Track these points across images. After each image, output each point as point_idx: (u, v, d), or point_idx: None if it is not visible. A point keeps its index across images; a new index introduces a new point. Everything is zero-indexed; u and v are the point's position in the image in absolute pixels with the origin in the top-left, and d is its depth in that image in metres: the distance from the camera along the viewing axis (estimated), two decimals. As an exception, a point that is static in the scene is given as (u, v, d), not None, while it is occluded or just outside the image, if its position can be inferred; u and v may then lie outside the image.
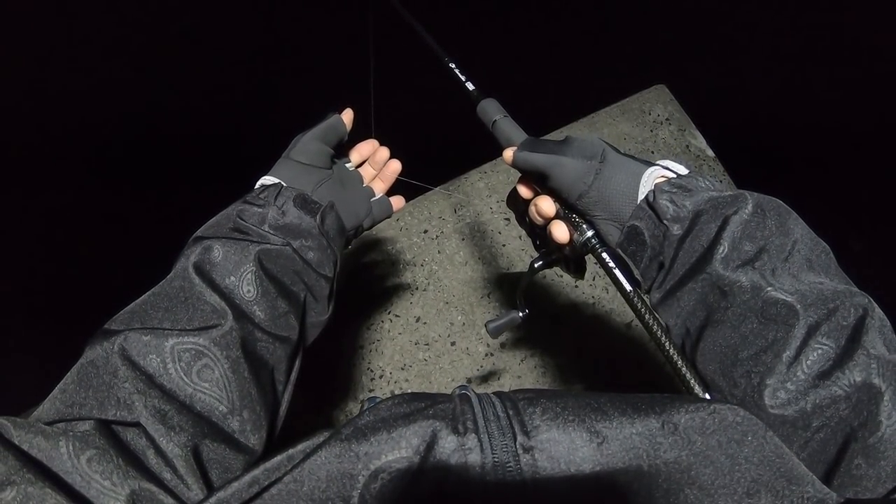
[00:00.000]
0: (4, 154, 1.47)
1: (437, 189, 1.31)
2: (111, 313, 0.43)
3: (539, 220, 0.55)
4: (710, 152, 1.46)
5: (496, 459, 0.28)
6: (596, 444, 0.28)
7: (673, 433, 0.28)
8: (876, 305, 0.37)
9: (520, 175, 0.58)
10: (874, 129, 1.48)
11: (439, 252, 1.28)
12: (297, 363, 0.52)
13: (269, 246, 0.50)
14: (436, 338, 1.18)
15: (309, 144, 0.60)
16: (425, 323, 1.20)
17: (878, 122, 1.47)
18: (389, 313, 1.21)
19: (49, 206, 1.52)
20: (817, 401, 0.34)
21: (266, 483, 0.27)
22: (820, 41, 1.66)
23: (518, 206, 0.60)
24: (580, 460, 0.27)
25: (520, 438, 0.28)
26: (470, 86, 0.63)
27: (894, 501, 0.30)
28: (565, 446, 0.28)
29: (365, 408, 0.34)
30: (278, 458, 0.29)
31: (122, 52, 1.65)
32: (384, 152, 0.68)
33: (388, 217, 0.69)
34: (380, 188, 0.68)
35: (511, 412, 0.30)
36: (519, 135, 0.57)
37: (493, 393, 0.34)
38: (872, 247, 1.29)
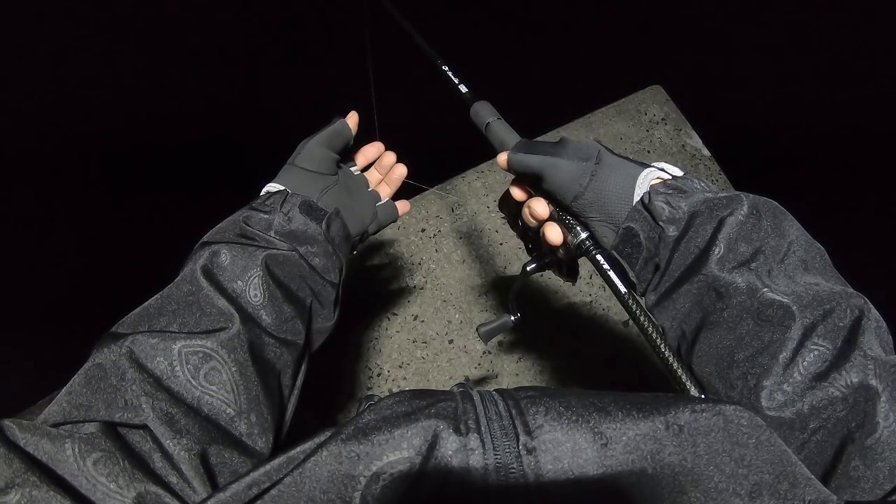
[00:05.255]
0: (5, 156, 1.47)
1: (434, 189, 1.31)
2: (114, 317, 0.43)
3: (532, 223, 0.54)
4: (706, 152, 1.47)
5: (499, 461, 0.27)
6: (600, 445, 0.27)
7: (678, 435, 0.27)
8: (872, 307, 0.37)
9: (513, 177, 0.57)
10: (871, 129, 1.48)
11: (437, 251, 1.28)
12: (302, 369, 0.52)
13: (275, 251, 0.50)
14: (434, 336, 1.19)
15: (314, 150, 0.59)
16: (423, 321, 1.20)
17: (875, 121, 1.47)
18: (387, 312, 1.21)
19: (50, 208, 1.51)
20: (814, 402, 0.34)
21: (266, 485, 0.27)
22: (816, 40, 1.67)
23: (510, 209, 0.60)
24: (584, 462, 0.27)
25: (522, 439, 0.28)
26: (463, 88, 0.62)
27: (893, 503, 0.30)
28: (569, 448, 0.27)
29: (363, 406, 0.34)
30: (278, 459, 0.28)
31: (122, 54, 1.65)
32: (390, 157, 0.68)
33: (394, 221, 0.69)
34: (385, 193, 0.68)
35: (514, 411, 0.30)
36: (512, 137, 0.56)
37: (495, 390, 0.34)
38: (868, 248, 1.29)
